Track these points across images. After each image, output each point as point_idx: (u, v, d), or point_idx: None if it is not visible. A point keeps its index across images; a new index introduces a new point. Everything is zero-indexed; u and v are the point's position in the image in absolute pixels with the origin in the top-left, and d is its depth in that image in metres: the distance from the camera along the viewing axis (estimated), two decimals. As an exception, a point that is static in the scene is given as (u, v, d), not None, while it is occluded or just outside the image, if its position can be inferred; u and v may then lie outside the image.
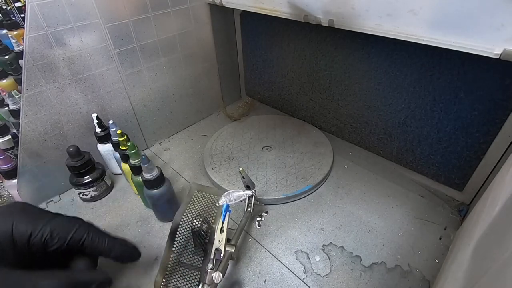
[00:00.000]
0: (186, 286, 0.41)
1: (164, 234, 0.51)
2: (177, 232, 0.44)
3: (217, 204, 0.48)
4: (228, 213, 0.41)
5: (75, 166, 0.53)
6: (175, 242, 0.44)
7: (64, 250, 0.33)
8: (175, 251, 0.44)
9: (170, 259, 0.43)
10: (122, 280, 0.44)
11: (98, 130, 0.56)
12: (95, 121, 0.55)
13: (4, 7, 0.96)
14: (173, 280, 0.42)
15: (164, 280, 0.41)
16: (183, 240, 0.45)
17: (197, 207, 0.47)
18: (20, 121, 0.50)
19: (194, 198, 0.48)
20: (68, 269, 0.35)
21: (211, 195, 0.48)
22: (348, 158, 0.65)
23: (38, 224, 0.32)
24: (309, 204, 0.55)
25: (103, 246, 0.36)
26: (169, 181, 0.50)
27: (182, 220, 0.45)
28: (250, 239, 0.49)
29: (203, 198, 0.49)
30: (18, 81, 0.76)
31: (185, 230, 0.44)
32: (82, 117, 0.57)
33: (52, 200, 0.59)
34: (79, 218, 0.36)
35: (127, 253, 0.39)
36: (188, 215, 0.45)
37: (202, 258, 0.43)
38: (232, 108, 0.85)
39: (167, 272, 0.42)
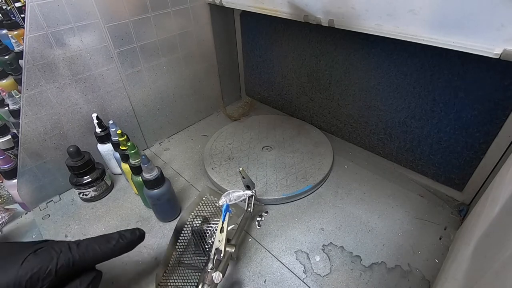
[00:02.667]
0: (186, 286, 0.41)
1: (164, 234, 0.51)
2: (183, 231, 0.45)
3: (217, 204, 0.48)
4: (228, 213, 0.41)
5: (75, 166, 0.53)
6: (179, 240, 0.44)
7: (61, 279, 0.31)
8: (178, 249, 0.44)
9: (172, 257, 0.43)
10: (121, 279, 0.44)
11: (98, 130, 0.56)
12: (95, 121, 0.55)
13: (4, 7, 0.96)
14: (173, 279, 0.42)
15: (164, 274, 0.42)
16: (186, 239, 0.45)
17: (205, 210, 0.48)
18: (20, 121, 0.50)
19: (204, 201, 0.48)
20: None
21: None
22: (348, 158, 0.65)
23: (11, 274, 0.28)
24: (309, 204, 0.55)
25: (99, 254, 0.34)
26: (169, 181, 0.50)
27: (189, 219, 0.45)
28: (250, 239, 0.49)
29: (213, 203, 0.49)
30: (18, 81, 0.76)
31: (189, 229, 0.45)
32: (82, 117, 0.57)
33: (52, 200, 0.59)
34: (56, 244, 0.33)
35: (127, 246, 0.37)
36: (195, 215, 0.46)
37: (202, 258, 0.43)
38: (232, 108, 0.85)
39: (168, 268, 0.42)
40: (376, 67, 0.54)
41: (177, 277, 0.42)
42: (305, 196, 0.57)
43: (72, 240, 0.35)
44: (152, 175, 0.47)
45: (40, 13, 0.46)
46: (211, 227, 0.43)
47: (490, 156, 0.47)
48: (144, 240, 0.49)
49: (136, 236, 0.38)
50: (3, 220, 0.55)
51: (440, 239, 0.48)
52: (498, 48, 0.32)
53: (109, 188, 0.60)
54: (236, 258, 0.46)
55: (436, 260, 0.45)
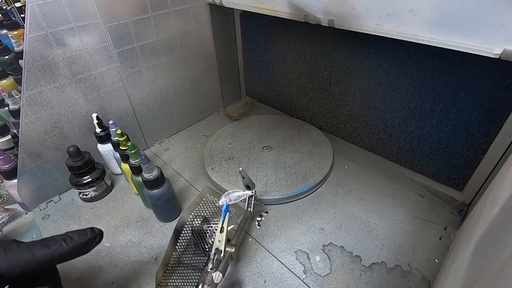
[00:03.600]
0: (186, 286, 0.41)
1: (164, 234, 0.51)
2: (183, 231, 0.45)
3: (217, 204, 0.49)
4: (228, 213, 0.41)
5: (75, 166, 0.53)
6: (179, 240, 0.44)
7: None
8: (178, 249, 0.44)
9: (172, 257, 0.43)
10: (121, 279, 0.44)
11: (98, 130, 0.56)
12: (95, 121, 0.55)
13: (4, 7, 0.96)
14: (173, 279, 0.42)
15: (164, 274, 0.42)
16: (186, 239, 0.45)
17: (205, 210, 0.48)
18: (20, 121, 0.50)
19: (204, 201, 0.48)
20: None
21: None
22: (348, 158, 0.65)
23: None
24: (309, 204, 0.55)
25: (34, 262, 0.28)
26: (169, 181, 0.50)
27: (189, 219, 0.45)
28: (250, 239, 0.49)
29: (213, 203, 0.49)
30: (18, 81, 0.76)
31: (189, 229, 0.45)
32: (82, 117, 0.57)
33: (52, 200, 0.59)
34: None
35: (75, 250, 0.31)
36: (195, 215, 0.46)
37: (202, 258, 0.43)
38: (232, 108, 0.85)
39: (168, 268, 0.42)
40: (376, 67, 0.54)
41: (177, 277, 0.42)
42: (305, 196, 0.57)
43: None
44: (152, 175, 0.47)
45: (40, 13, 0.46)
46: (211, 227, 0.43)
47: (490, 156, 0.47)
48: (144, 240, 0.50)
49: (86, 238, 0.31)
50: (3, 220, 0.55)
51: (440, 239, 0.48)
52: (498, 48, 0.32)
53: (109, 188, 0.60)
54: (236, 258, 0.46)
55: (436, 260, 0.45)
